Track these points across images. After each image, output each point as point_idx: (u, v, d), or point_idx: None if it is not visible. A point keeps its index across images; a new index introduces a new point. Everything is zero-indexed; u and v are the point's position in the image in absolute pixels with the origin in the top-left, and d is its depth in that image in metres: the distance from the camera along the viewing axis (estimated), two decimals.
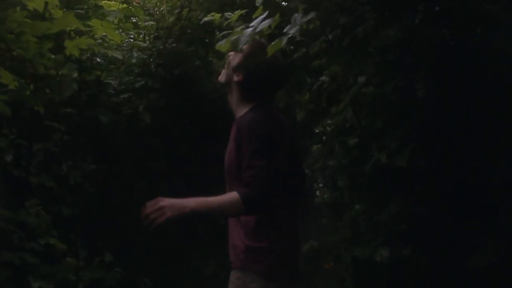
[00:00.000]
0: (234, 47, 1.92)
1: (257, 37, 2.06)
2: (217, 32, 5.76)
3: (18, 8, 2.23)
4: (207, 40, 5.50)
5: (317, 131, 4.37)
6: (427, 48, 2.11)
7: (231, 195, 2.00)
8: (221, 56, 5.72)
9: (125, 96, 4.56)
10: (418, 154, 2.70)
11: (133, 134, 4.58)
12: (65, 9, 3.82)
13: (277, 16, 1.90)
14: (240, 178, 2.06)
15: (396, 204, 2.96)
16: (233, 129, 2.20)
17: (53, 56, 2.20)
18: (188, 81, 5.27)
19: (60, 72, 2.27)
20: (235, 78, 2.21)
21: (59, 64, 2.24)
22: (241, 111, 2.22)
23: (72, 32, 2.93)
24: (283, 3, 3.74)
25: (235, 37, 1.83)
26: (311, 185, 6.19)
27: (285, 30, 1.80)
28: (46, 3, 2.31)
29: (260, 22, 1.85)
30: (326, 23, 2.44)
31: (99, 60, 4.37)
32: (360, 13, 2.39)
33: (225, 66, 2.34)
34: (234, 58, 2.27)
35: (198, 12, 5.08)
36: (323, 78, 2.65)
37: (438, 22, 2.17)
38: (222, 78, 2.30)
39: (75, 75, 2.39)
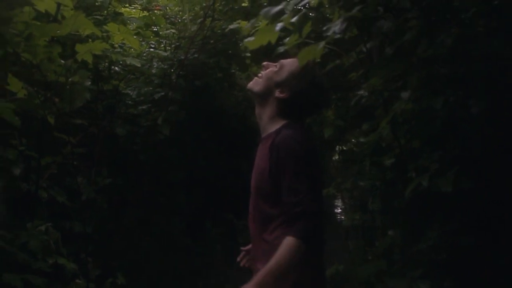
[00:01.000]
0: (267, 16, 1.71)
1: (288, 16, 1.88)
2: (241, 44, 5.59)
3: (27, 9, 2.03)
4: (230, 52, 5.32)
5: (344, 148, 4.11)
6: (482, 59, 1.85)
7: (286, 244, 1.79)
8: (244, 67, 5.54)
9: (144, 107, 4.37)
10: (462, 177, 2.43)
11: (151, 147, 4.37)
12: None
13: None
14: (274, 199, 1.91)
15: (436, 232, 2.69)
16: (265, 145, 1.99)
17: (63, 61, 1.99)
18: (209, 93, 5.08)
19: (70, 80, 2.06)
20: (278, 94, 2.05)
21: (70, 71, 2.03)
22: (272, 126, 2.05)
23: (89, 39, 2.74)
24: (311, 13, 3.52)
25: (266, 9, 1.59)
26: (334, 205, 5.92)
27: (327, 27, 1.55)
28: (59, 5, 2.12)
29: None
30: (365, 31, 2.20)
31: (117, 69, 4.19)
32: (403, 20, 2.14)
33: (263, 75, 2.12)
34: (278, 73, 2.08)
35: (222, 22, 4.89)
36: (361, 92, 2.40)
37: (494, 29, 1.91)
38: (256, 87, 2.10)
39: (88, 83, 2.18)
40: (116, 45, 3.17)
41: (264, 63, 2.12)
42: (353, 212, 3.76)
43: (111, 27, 2.24)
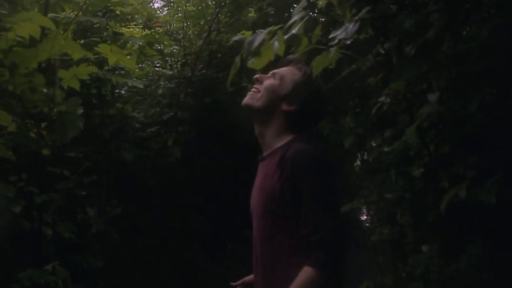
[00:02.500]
0: (249, 48, 1.49)
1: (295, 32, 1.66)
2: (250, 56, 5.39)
3: (11, 35, 1.84)
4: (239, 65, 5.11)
5: (366, 158, 3.86)
6: None
7: (305, 276, 1.62)
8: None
9: (153, 129, 4.17)
10: (504, 186, 2.16)
11: (162, 170, 4.16)
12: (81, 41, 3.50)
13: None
14: (287, 221, 1.71)
15: (477, 248, 2.42)
16: (271, 162, 1.79)
17: (45, 90, 1.80)
18: (220, 110, 4.87)
19: (55, 110, 1.87)
20: (285, 107, 1.86)
21: (53, 100, 1.83)
22: (279, 141, 1.86)
23: (82, 64, 2.56)
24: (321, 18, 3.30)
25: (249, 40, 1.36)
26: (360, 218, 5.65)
27: (333, 36, 1.33)
28: (43, 28, 1.93)
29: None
30: (381, 31, 1.96)
31: (122, 92, 4.01)
32: (423, 14, 1.90)
33: (262, 89, 1.90)
34: (282, 84, 1.89)
35: (228, 34, 4.69)
36: (382, 98, 2.15)
37: None
38: (258, 102, 1.88)
39: (81, 111, 1.98)
40: (116, 67, 2.99)
41: (257, 76, 1.92)
42: (381, 225, 3.49)
43: (102, 48, 2.04)
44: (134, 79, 3.12)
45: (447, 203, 2.16)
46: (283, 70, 1.93)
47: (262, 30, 2.77)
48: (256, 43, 1.30)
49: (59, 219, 3.10)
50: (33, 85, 1.71)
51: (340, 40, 1.38)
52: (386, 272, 3.88)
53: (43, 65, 1.97)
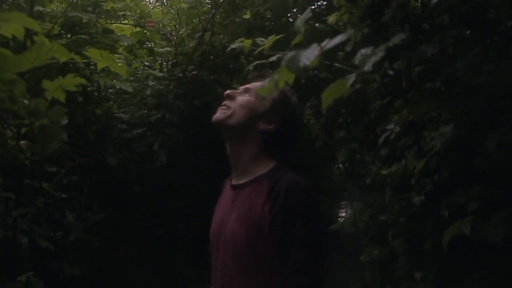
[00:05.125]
0: (293, 69, 1.32)
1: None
2: (242, 57, 5.23)
3: None
4: (231, 66, 4.96)
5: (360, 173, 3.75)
6: None
7: None
8: (247, 83, 5.19)
9: (139, 131, 4.00)
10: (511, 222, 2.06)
11: (147, 174, 4.00)
12: (68, 36, 3.31)
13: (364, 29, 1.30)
14: (271, 257, 1.59)
15: (474, 282, 2.32)
16: (255, 192, 1.65)
17: (26, 101, 1.63)
18: (209, 113, 4.70)
19: (37, 123, 1.71)
20: (263, 126, 1.73)
21: (34, 114, 1.67)
22: (256, 167, 1.74)
23: (70, 65, 2.41)
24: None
25: (290, 54, 1.20)
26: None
27: (356, 62, 1.19)
28: (28, 30, 1.76)
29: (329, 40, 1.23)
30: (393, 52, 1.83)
31: (110, 91, 3.83)
32: (438, 39, 1.78)
33: (236, 105, 1.75)
34: (257, 102, 1.75)
35: (222, 36, 4.54)
36: (391, 126, 2.03)
37: None
38: (232, 120, 1.72)
39: (65, 121, 1.81)
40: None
41: (228, 91, 1.79)
42: (372, 245, 3.38)
43: (91, 53, 1.87)
44: (123, 81, 2.95)
45: (449, 238, 2.05)
46: (257, 85, 1.77)
47: (263, 39, 2.64)
48: (304, 62, 1.14)
49: (35, 224, 2.92)
50: (12, 95, 1.55)
51: (359, 69, 1.25)
52: None
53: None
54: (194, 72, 4.34)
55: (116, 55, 2.91)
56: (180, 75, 4.23)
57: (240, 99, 1.77)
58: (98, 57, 1.94)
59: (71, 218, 3.31)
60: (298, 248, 1.54)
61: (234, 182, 1.77)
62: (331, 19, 1.94)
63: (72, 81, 1.66)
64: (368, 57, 1.23)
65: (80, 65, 3.19)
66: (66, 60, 1.87)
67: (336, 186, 14.61)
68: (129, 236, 3.88)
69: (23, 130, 2.06)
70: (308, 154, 7.62)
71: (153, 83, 4.25)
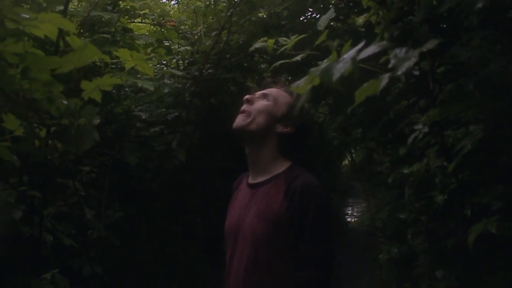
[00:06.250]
0: (326, 81, 1.35)
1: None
2: (256, 56, 5.25)
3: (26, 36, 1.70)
4: (245, 64, 4.99)
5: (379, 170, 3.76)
6: None
7: None
8: (261, 81, 5.21)
9: (156, 129, 4.03)
10: None
11: (165, 173, 4.03)
12: (87, 35, 3.33)
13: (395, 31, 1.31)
14: (288, 251, 1.73)
15: (499, 280, 2.33)
16: (274, 189, 1.78)
17: (65, 102, 1.65)
18: (225, 111, 4.74)
19: (76, 123, 1.74)
20: (281, 129, 1.88)
21: (74, 115, 1.70)
22: (275, 166, 1.88)
23: (100, 64, 2.42)
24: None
25: (324, 66, 1.22)
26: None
27: (390, 66, 1.21)
28: (61, 31, 1.79)
29: (365, 47, 1.25)
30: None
31: (127, 89, 3.86)
32: (467, 40, 1.79)
33: (256, 111, 1.88)
34: (276, 106, 1.89)
35: (237, 35, 4.56)
36: (419, 127, 2.05)
37: None
38: (253, 125, 1.89)
39: (97, 121, 1.85)
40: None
41: (248, 96, 1.92)
42: (390, 243, 3.40)
43: (122, 53, 1.90)
44: (144, 79, 2.97)
45: (474, 237, 2.07)
46: (273, 91, 1.93)
47: (285, 39, 2.65)
48: (336, 75, 1.17)
49: (60, 222, 2.96)
50: (51, 95, 1.58)
51: (393, 72, 1.26)
52: None
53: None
54: (210, 71, 4.37)
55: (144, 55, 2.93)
56: (197, 73, 4.26)
57: (259, 104, 1.91)
58: (128, 57, 1.97)
59: (90, 216, 3.35)
60: (311, 244, 1.66)
61: (251, 181, 1.92)
62: (360, 20, 1.96)
63: (108, 81, 1.69)
64: (402, 61, 1.25)
65: (101, 64, 3.22)
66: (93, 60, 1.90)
67: (343, 184, 14.66)
68: (147, 234, 3.91)
69: (52, 129, 2.09)
70: (317, 153, 7.67)
71: (170, 81, 4.27)
